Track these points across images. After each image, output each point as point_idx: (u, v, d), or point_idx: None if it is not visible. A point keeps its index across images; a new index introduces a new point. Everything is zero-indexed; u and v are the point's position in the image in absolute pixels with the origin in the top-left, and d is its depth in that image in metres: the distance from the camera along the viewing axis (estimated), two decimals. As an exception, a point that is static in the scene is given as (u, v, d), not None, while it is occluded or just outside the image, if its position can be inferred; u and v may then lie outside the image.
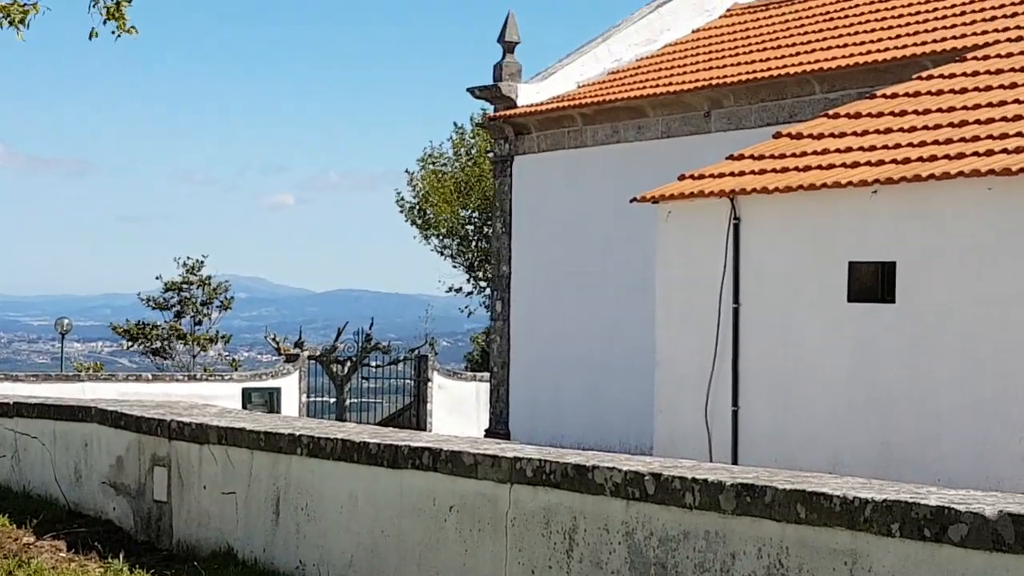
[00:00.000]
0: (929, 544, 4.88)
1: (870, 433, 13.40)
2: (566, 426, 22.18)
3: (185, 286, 40.70)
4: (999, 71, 15.60)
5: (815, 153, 14.94)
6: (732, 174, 15.26)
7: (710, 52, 23.42)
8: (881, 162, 13.80)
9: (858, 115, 15.72)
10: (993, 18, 18.71)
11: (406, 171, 44.37)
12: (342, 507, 7.81)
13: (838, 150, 14.76)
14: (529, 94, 24.59)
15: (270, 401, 31.82)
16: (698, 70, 22.44)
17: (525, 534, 6.55)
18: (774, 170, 14.90)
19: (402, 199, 44.06)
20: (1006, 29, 17.72)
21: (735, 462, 14.26)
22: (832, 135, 15.33)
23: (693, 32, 25.32)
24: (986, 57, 16.50)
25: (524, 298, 24.08)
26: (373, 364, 35.10)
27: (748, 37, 23.44)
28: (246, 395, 31.65)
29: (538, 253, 23.78)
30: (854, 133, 15.12)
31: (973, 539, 4.78)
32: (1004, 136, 13.16)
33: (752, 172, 15.09)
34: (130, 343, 41.26)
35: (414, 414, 33.39)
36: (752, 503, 5.52)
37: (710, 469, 6.08)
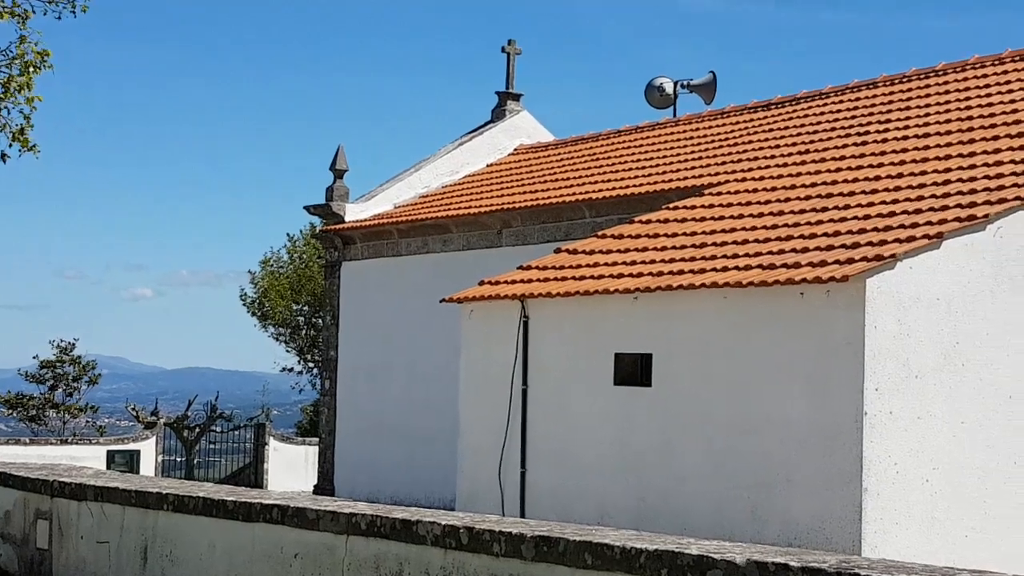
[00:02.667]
0: (691, 585, 4.91)
1: (630, 491, 13.45)
2: (382, 483, 21.91)
3: (59, 364, 39.47)
4: (730, 204, 15.96)
5: (588, 266, 15.05)
6: (522, 281, 15.31)
7: (502, 182, 23.64)
8: (640, 274, 13.95)
9: (621, 236, 15.91)
10: (724, 162, 19.17)
11: (248, 271, 43.86)
12: (202, 554, 7.56)
13: (606, 264, 14.90)
14: (355, 212, 24.49)
15: (131, 462, 30.82)
16: (492, 196, 22.60)
17: (358, 577, 6.42)
18: (555, 279, 14.97)
19: (245, 294, 43.46)
20: (734, 172, 18.16)
21: (523, 514, 14.19)
22: (601, 252, 15.48)
23: (488, 166, 25.55)
24: (719, 193, 16.87)
25: (348, 378, 23.81)
26: (218, 430, 34.61)
27: (532, 171, 23.71)
28: (110, 456, 30.58)
29: (361, 341, 23.57)
30: (618, 251, 15.28)
31: (726, 581, 4.81)
32: (735, 256, 13.42)
33: (538, 280, 15.15)
34: (9, 411, 39.85)
35: (253, 472, 32.74)
36: (548, 551, 5.50)
37: (513, 523, 6.04)
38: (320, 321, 37.58)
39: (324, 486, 23.77)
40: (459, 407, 15.70)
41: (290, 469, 32.16)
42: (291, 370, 44.06)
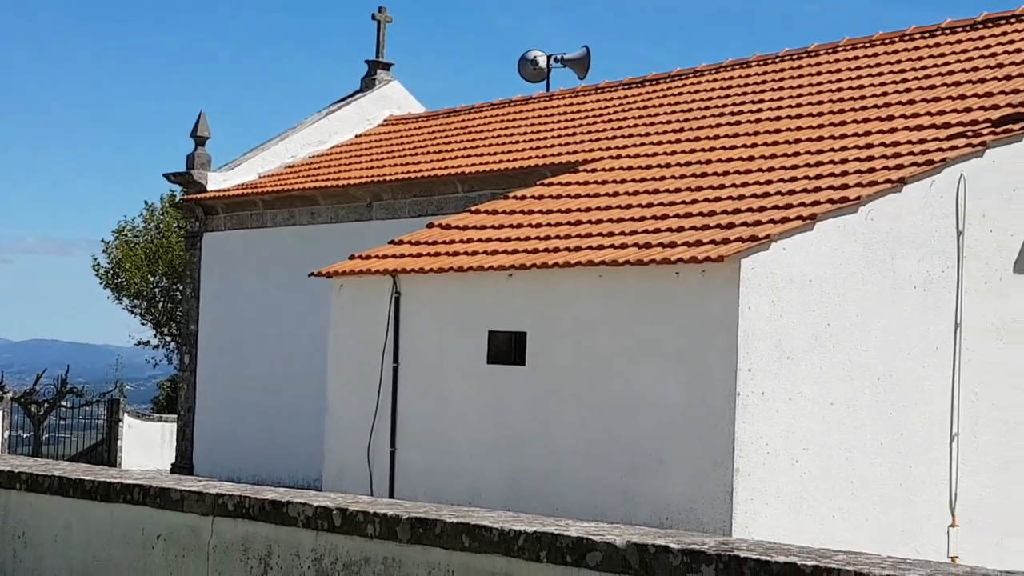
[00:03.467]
0: (571, 568, 4.90)
1: (503, 471, 13.49)
2: (243, 461, 21.62)
3: None
4: (605, 182, 16.07)
5: (462, 242, 15.02)
6: (394, 256, 15.20)
7: (371, 154, 23.43)
8: (516, 251, 13.96)
9: (495, 212, 15.90)
10: (599, 139, 19.28)
11: (102, 240, 42.78)
12: (57, 536, 7.35)
13: (480, 240, 14.87)
14: (217, 181, 24.04)
15: (-25, 437, 29.91)
16: (361, 168, 22.39)
17: (225, 560, 6.30)
18: (428, 254, 14.90)
19: (98, 264, 42.36)
20: (609, 148, 18.29)
21: (392, 494, 14.13)
22: (475, 227, 15.45)
23: (357, 136, 25.30)
24: (594, 170, 16.97)
25: (209, 352, 23.41)
26: (68, 405, 33.87)
27: (402, 143, 23.56)
28: (-47, 432, 29.65)
29: (223, 315, 23.18)
30: (492, 227, 15.27)
31: (606, 564, 4.82)
32: (611, 234, 13.51)
33: (410, 255, 15.06)
34: None
35: (105, 449, 32.04)
36: (424, 534, 5.46)
37: (388, 505, 5.99)
38: (179, 293, 36.90)
39: (182, 464, 23.38)
40: (327, 384, 15.56)
41: (145, 447, 31.56)
42: (147, 344, 43.17)
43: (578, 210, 14.97)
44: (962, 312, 12.99)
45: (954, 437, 12.89)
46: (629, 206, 14.52)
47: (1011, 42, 16.58)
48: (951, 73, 16.23)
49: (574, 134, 20.16)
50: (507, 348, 13.55)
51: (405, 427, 14.51)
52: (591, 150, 18.63)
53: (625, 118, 20.03)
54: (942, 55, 17.13)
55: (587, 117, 20.96)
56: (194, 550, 6.42)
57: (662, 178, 15.51)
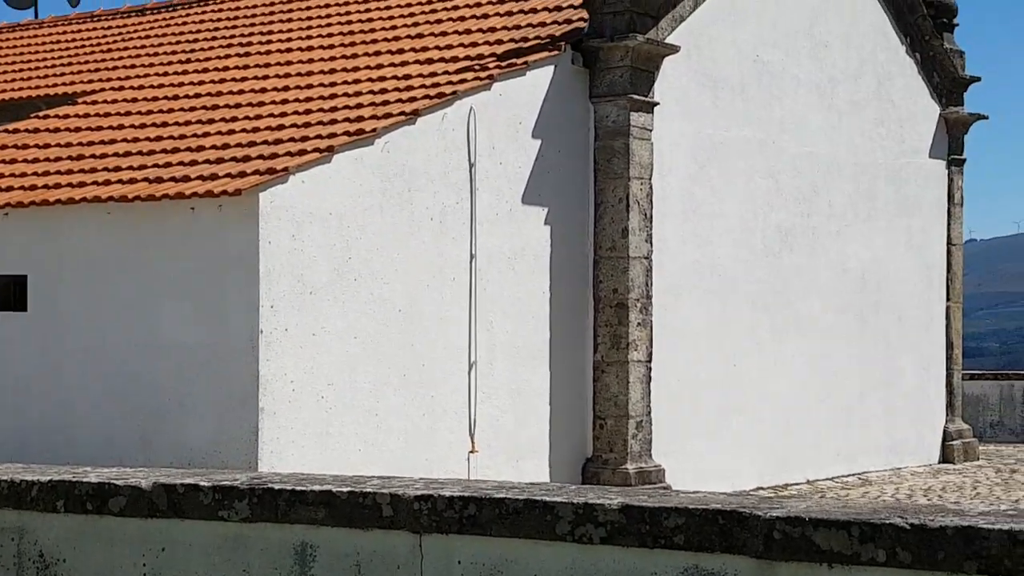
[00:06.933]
0: (92, 516, 4.69)
1: (8, 427, 12.66)
2: None
3: None
4: (108, 114, 15.43)
5: (-53, 179, 13.92)
6: None
7: None
8: (11, 188, 13.09)
9: (-16, 147, 14.86)
10: (98, 69, 18.58)
11: None
12: None
13: (-31, 177, 13.86)
14: None
15: None
16: None
17: None
18: (-92, 193, 13.67)
19: None
20: (110, 79, 17.66)
21: None
22: (-38, 163, 14.36)
23: None
24: (95, 102, 16.28)
25: None
26: None
27: None
28: None
29: None
30: (-18, 162, 14.27)
31: (131, 508, 4.65)
32: (118, 169, 12.96)
33: None
34: None
35: None
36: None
37: None
38: None
39: None
40: None
41: None
42: None
43: (80, 144, 14.26)
44: (476, 243, 13.54)
45: (472, 366, 13.45)
46: (136, 139, 13.98)
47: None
48: (456, 8, 16.81)
49: (70, 64, 19.33)
50: (5, 294, 12.74)
51: None
52: (90, 81, 17.94)
53: (126, 48, 19.38)
54: (448, -9, 17.69)
55: (83, 47, 20.14)
56: None
57: (171, 110, 15.06)
